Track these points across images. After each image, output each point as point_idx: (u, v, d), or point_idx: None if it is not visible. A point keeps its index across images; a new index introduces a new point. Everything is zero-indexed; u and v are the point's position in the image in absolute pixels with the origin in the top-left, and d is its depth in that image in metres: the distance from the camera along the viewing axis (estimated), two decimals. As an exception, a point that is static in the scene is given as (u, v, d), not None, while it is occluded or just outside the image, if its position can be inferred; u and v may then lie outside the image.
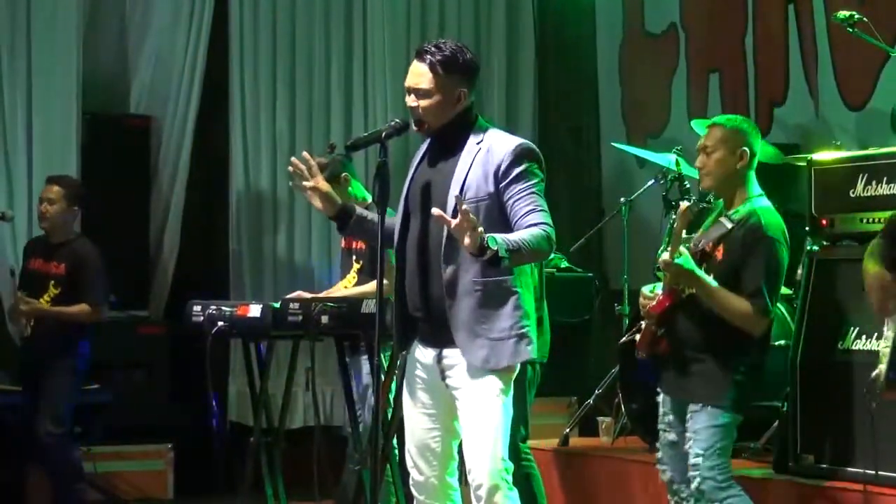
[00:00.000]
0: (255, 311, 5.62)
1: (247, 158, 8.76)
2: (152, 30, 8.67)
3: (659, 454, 5.03)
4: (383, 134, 4.45)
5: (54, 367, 6.82)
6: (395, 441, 5.65)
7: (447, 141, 4.40)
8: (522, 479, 5.47)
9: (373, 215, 4.54)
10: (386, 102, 8.83)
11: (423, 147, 4.54)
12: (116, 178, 8.45)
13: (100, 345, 7.04)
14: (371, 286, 5.78)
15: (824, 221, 5.56)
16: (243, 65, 8.74)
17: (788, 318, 5.90)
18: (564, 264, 7.16)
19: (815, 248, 5.66)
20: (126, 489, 7.95)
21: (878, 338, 4.06)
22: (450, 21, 9.10)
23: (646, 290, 4.99)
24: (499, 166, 4.30)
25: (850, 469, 5.31)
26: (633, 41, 8.83)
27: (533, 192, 4.28)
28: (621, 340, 5.74)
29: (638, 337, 4.97)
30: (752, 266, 4.75)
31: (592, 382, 7.24)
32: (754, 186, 4.91)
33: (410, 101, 4.38)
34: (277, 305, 5.60)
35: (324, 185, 4.52)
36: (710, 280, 4.73)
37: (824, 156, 5.77)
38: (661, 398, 5.03)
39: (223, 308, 5.74)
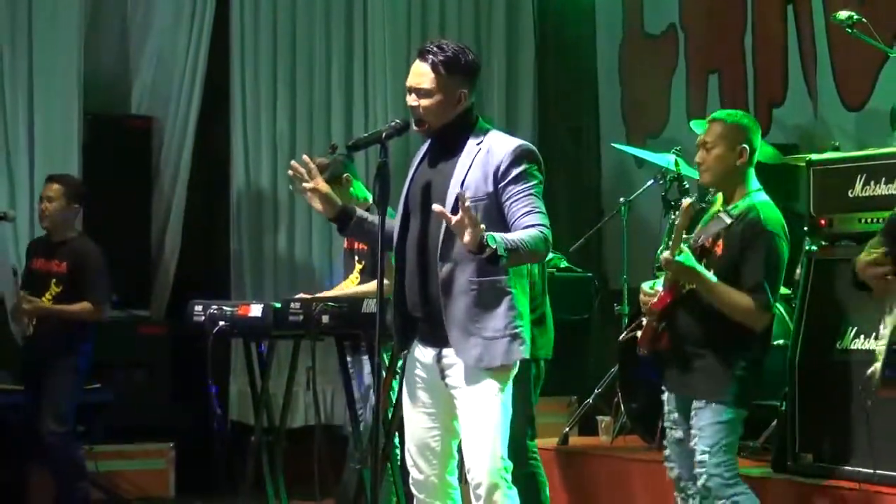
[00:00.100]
0: (256, 310, 5.62)
1: (248, 159, 8.77)
2: (154, 31, 8.67)
3: (666, 451, 5.02)
4: (384, 134, 4.45)
5: (56, 365, 6.83)
6: (396, 440, 5.66)
7: (447, 141, 4.41)
8: (527, 478, 5.49)
9: (373, 217, 4.55)
10: (386, 102, 8.84)
11: (424, 148, 4.55)
12: (118, 179, 8.46)
13: (102, 344, 7.04)
14: (371, 286, 5.78)
15: (823, 221, 5.56)
16: (244, 65, 8.75)
17: (787, 318, 5.90)
18: (564, 264, 7.16)
19: (814, 248, 5.66)
20: (128, 488, 7.95)
21: (876, 337, 4.07)
22: (450, 21, 9.10)
23: (646, 286, 4.98)
24: (498, 167, 4.30)
25: (848, 468, 5.31)
26: (633, 42, 8.84)
27: (531, 194, 4.29)
28: (621, 337, 5.75)
29: (639, 334, 4.96)
30: (752, 261, 4.75)
31: (592, 382, 7.25)
32: (753, 182, 4.90)
33: (412, 100, 4.38)
34: (278, 305, 5.61)
35: (324, 187, 4.52)
36: (710, 276, 4.72)
37: (823, 156, 5.77)
38: (665, 396, 5.03)
39: (224, 308, 5.75)
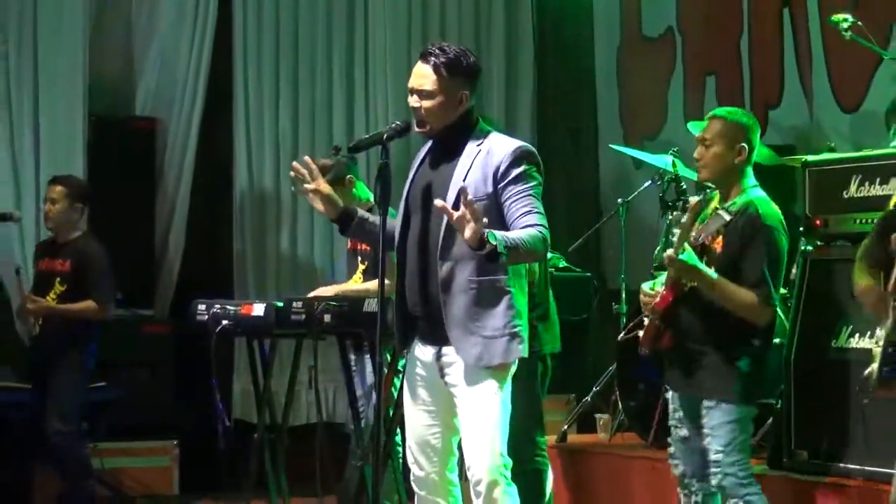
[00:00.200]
0: (258, 310, 5.62)
1: (250, 160, 8.77)
2: (157, 33, 8.67)
3: (671, 449, 5.00)
4: (385, 136, 4.46)
5: (61, 364, 6.82)
6: (398, 438, 5.66)
7: (448, 143, 4.41)
8: (533, 473, 5.50)
9: (374, 217, 4.55)
10: (387, 104, 8.84)
11: (424, 149, 4.55)
12: (122, 180, 8.46)
13: (106, 343, 7.04)
14: (372, 284, 5.79)
15: (818, 222, 5.56)
16: (247, 67, 8.76)
17: (783, 317, 5.90)
18: (563, 264, 7.16)
19: (810, 248, 5.66)
20: (132, 485, 7.95)
21: (871, 336, 4.07)
22: (450, 24, 9.10)
23: (646, 286, 4.97)
24: (498, 167, 4.31)
25: (843, 465, 5.31)
26: (631, 44, 8.84)
27: (530, 195, 4.30)
28: (620, 337, 5.75)
29: (640, 333, 4.94)
30: (753, 256, 4.74)
31: (590, 380, 7.26)
32: (750, 178, 4.90)
33: (413, 101, 4.38)
34: (281, 304, 5.61)
35: (325, 188, 4.52)
36: (712, 274, 4.71)
37: (818, 157, 5.77)
38: (669, 394, 5.02)
39: (227, 307, 5.75)
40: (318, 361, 5.52)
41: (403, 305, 4.45)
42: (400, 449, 5.66)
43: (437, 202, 4.15)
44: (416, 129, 4.43)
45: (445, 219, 4.23)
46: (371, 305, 5.24)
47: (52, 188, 6.99)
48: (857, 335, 5.28)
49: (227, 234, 8.78)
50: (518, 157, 4.32)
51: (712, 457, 4.76)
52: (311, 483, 5.65)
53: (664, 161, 6.89)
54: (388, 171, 4.42)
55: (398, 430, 5.60)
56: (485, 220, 4.06)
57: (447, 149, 4.42)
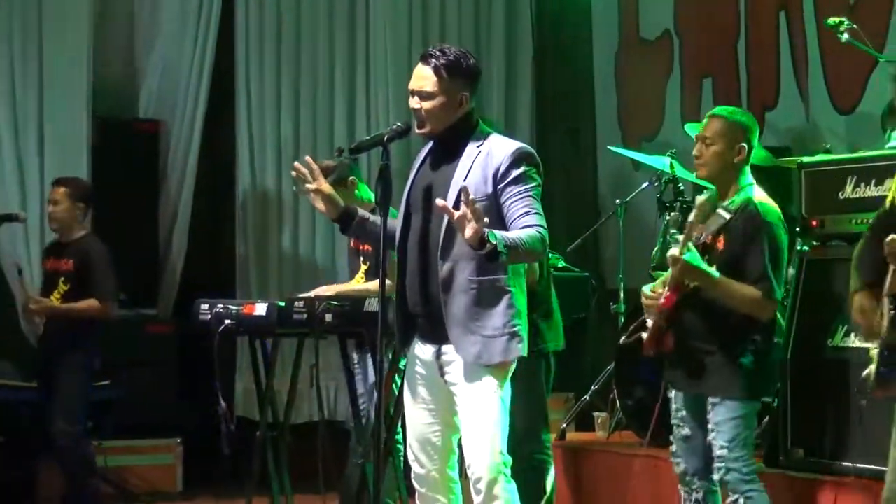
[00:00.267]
0: (260, 309, 5.62)
1: (253, 161, 8.78)
2: (160, 37, 8.68)
3: (673, 447, 4.98)
4: (385, 137, 4.46)
5: (64, 364, 6.79)
6: (399, 436, 5.66)
7: (448, 144, 4.41)
8: (536, 470, 5.50)
9: (375, 217, 4.55)
10: (388, 106, 8.84)
11: (425, 150, 4.55)
12: (126, 181, 8.47)
13: (110, 343, 7.03)
14: (373, 284, 5.79)
15: (814, 222, 5.56)
16: (249, 70, 8.76)
17: (780, 317, 5.89)
18: (561, 264, 7.16)
19: (806, 248, 5.66)
20: (136, 482, 7.95)
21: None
22: (450, 27, 9.10)
23: (646, 289, 4.94)
24: (497, 168, 4.31)
25: (838, 462, 5.31)
26: (629, 47, 8.84)
27: (529, 196, 4.30)
28: (624, 341, 5.73)
29: (644, 336, 4.92)
30: (755, 253, 4.72)
31: (589, 379, 7.25)
32: (747, 176, 4.89)
33: (414, 103, 4.38)
34: (283, 304, 5.60)
35: (326, 188, 4.53)
36: (715, 273, 4.69)
37: (814, 158, 5.76)
38: (672, 394, 5.01)
39: (230, 307, 5.74)
40: (320, 360, 5.51)
41: (404, 305, 4.45)
42: (401, 447, 5.66)
43: (439, 202, 4.15)
44: (417, 131, 4.43)
45: (446, 219, 4.23)
46: (372, 305, 5.24)
47: (55, 189, 7.00)
48: (852, 334, 5.26)
49: (230, 235, 8.79)
50: (518, 159, 4.32)
51: (717, 452, 4.76)
52: (313, 480, 5.65)
53: (662, 162, 6.89)
54: (389, 172, 4.42)
55: (399, 428, 5.60)
56: (486, 219, 4.06)
57: (447, 150, 4.42)
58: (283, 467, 5.88)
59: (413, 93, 4.38)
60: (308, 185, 4.51)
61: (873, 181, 5.33)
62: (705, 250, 4.78)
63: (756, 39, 7.77)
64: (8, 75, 8.22)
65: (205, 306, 5.79)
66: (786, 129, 7.50)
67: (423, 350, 4.44)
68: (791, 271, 5.71)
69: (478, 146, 4.37)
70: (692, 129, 6.34)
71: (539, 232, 4.24)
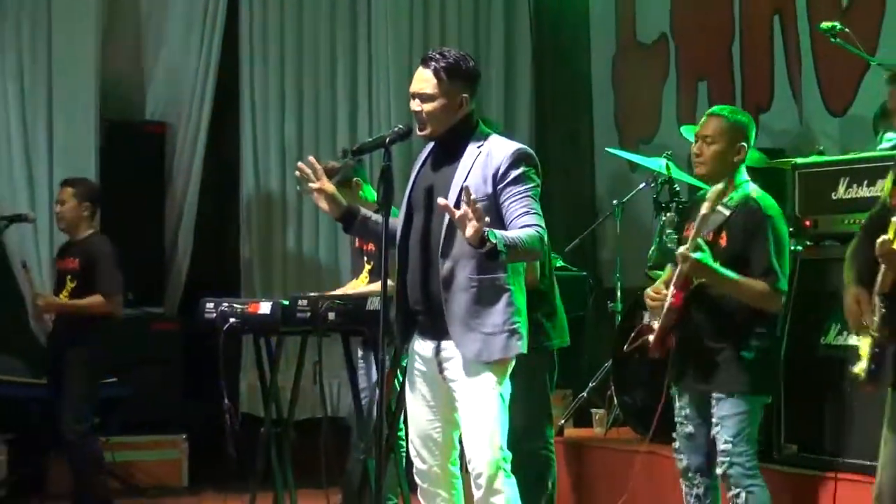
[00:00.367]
0: (265, 308, 5.61)
1: (257, 163, 8.78)
2: (167, 42, 8.69)
3: (676, 444, 4.97)
4: (387, 139, 4.46)
5: (70, 360, 6.75)
6: (401, 433, 5.66)
7: (449, 145, 4.41)
8: (539, 466, 5.49)
9: (377, 216, 4.55)
10: (389, 108, 8.85)
11: (425, 151, 4.55)
12: (133, 182, 8.48)
13: (117, 341, 7.02)
14: (375, 287, 5.79)
15: (808, 223, 5.55)
16: (253, 74, 8.77)
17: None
18: (560, 263, 7.15)
19: (800, 248, 5.66)
20: (142, 477, 7.96)
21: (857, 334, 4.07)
22: (450, 30, 9.10)
23: (649, 291, 4.92)
24: (497, 169, 4.31)
25: (830, 458, 5.31)
26: (626, 50, 8.84)
27: (528, 196, 4.29)
28: (628, 348, 5.72)
29: (651, 338, 4.88)
30: (759, 247, 4.71)
31: (586, 376, 7.25)
32: (743, 174, 4.89)
33: (415, 105, 4.38)
34: (286, 302, 5.60)
35: (329, 188, 4.53)
36: (726, 272, 4.67)
37: (808, 160, 5.76)
38: (674, 392, 4.99)
39: (235, 305, 5.74)
40: (323, 358, 5.51)
41: (404, 302, 4.45)
42: (403, 443, 5.65)
43: (440, 201, 4.15)
44: (418, 133, 4.43)
45: (447, 218, 4.23)
46: (374, 304, 5.23)
47: (62, 190, 7.01)
48: (844, 333, 5.26)
49: (235, 235, 8.79)
50: (517, 160, 4.32)
51: (721, 446, 4.74)
52: (316, 476, 5.65)
53: (658, 164, 6.88)
54: (391, 173, 4.42)
55: (402, 424, 5.60)
56: (486, 219, 4.06)
57: (448, 151, 4.41)
58: (286, 463, 5.88)
59: (414, 95, 4.38)
60: (311, 185, 4.51)
61: (865, 182, 5.33)
62: (707, 247, 4.76)
63: (750, 43, 7.77)
64: (17, 79, 8.22)
65: (210, 305, 5.79)
66: (780, 131, 7.49)
67: (422, 346, 4.44)
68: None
69: (478, 147, 4.37)
70: (688, 131, 6.36)
71: (538, 231, 4.24)
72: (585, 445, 6.79)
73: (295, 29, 8.85)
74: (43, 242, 8.12)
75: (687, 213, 5.12)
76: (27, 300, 7.74)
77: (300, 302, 5.58)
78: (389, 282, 4.41)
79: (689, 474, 4.93)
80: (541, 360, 5.45)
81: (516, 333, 4.33)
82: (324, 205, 4.52)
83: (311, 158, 4.58)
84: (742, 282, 4.69)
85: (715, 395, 4.77)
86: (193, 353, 8.06)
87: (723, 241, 4.76)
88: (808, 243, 5.63)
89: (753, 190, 4.83)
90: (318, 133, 8.88)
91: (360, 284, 6.33)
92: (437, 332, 4.36)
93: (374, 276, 6.23)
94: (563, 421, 7.04)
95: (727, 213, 4.73)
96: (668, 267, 5.12)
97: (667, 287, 4.84)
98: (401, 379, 5.38)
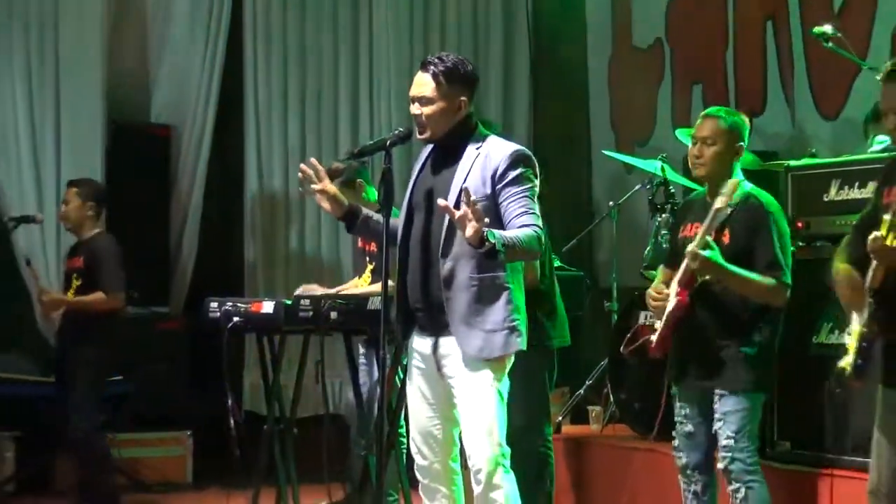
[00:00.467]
0: (268, 307, 5.60)
1: (260, 165, 8.78)
2: (172, 46, 8.69)
3: (675, 442, 4.96)
4: (388, 142, 4.46)
5: (76, 358, 6.72)
6: (402, 430, 5.65)
7: (448, 148, 4.41)
8: (538, 463, 5.48)
9: (378, 216, 4.54)
10: (390, 112, 8.86)
11: (425, 152, 4.54)
12: (139, 184, 8.48)
13: (123, 339, 7.01)
14: (377, 286, 5.78)
15: (801, 224, 5.54)
16: (257, 78, 8.77)
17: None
18: (557, 263, 7.14)
19: (792, 248, 5.64)
20: (148, 473, 7.95)
21: (850, 333, 4.05)
22: (450, 38, 9.11)
23: (651, 291, 4.91)
24: (496, 170, 4.31)
25: (823, 455, 5.30)
26: (622, 55, 8.83)
27: (526, 196, 4.29)
28: (627, 351, 5.69)
29: (653, 338, 4.86)
30: (763, 242, 4.70)
31: (583, 374, 7.24)
32: (739, 172, 4.88)
33: (415, 109, 4.38)
34: (289, 302, 5.59)
35: (331, 188, 4.53)
36: (735, 268, 4.66)
37: (800, 162, 5.76)
38: (674, 392, 4.98)
39: (238, 305, 5.72)
40: (325, 356, 5.51)
41: (404, 300, 4.44)
42: (404, 440, 5.65)
43: (440, 202, 4.16)
44: (418, 136, 4.43)
45: (447, 219, 4.23)
46: (375, 304, 5.24)
47: (67, 192, 7.03)
48: (836, 331, 5.26)
49: (238, 236, 8.79)
50: (515, 161, 4.32)
51: (723, 442, 4.73)
52: (318, 471, 5.64)
53: (654, 166, 6.88)
54: (391, 175, 4.42)
55: (403, 421, 5.59)
56: (486, 219, 4.06)
57: (447, 153, 4.41)
58: (289, 459, 5.87)
59: (413, 99, 4.38)
60: (313, 186, 4.51)
61: (857, 184, 5.32)
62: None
63: (744, 48, 7.77)
64: (25, 81, 8.22)
65: (214, 304, 5.78)
66: (773, 134, 7.49)
67: (421, 343, 4.43)
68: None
69: (477, 148, 4.37)
70: (683, 134, 6.35)
71: (535, 231, 4.24)
72: (583, 442, 6.78)
73: (298, 34, 8.86)
74: (50, 243, 8.12)
75: (683, 215, 5.10)
76: (34, 298, 7.73)
77: (303, 301, 5.58)
78: (390, 281, 4.41)
79: (688, 472, 4.92)
80: (541, 360, 5.44)
81: (516, 330, 4.33)
82: (326, 205, 4.52)
83: (313, 160, 4.58)
84: (750, 278, 4.68)
85: (717, 391, 4.76)
86: (198, 351, 8.06)
87: (725, 239, 4.74)
88: (801, 244, 5.62)
89: (752, 188, 4.83)
90: (321, 135, 8.89)
91: (362, 283, 6.33)
92: (435, 328, 4.37)
93: (376, 276, 6.23)
94: (560, 418, 7.03)
95: (728, 210, 4.71)
96: (661, 268, 5.11)
97: (667, 287, 4.82)
98: (401, 376, 5.38)
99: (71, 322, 6.88)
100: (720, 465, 4.77)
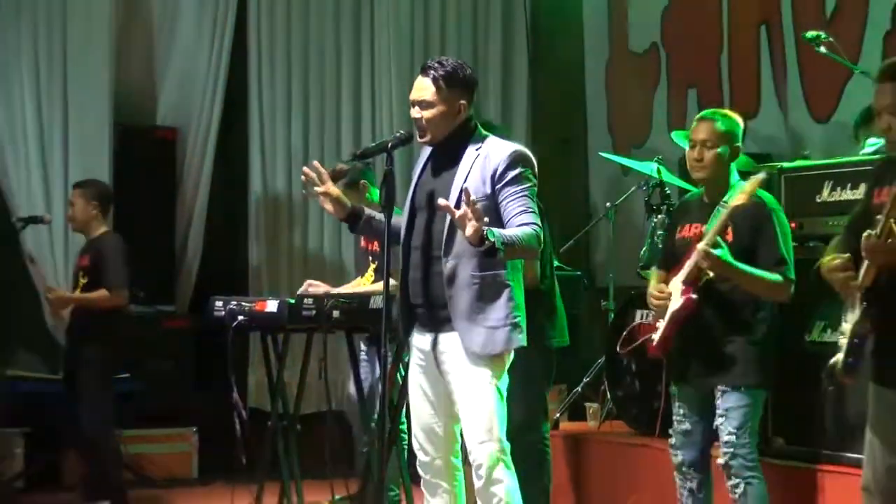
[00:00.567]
0: (272, 306, 5.61)
1: (264, 167, 8.78)
2: (177, 50, 8.68)
3: (672, 440, 4.96)
4: (389, 144, 4.46)
5: (82, 356, 6.70)
6: (403, 426, 5.65)
7: (449, 149, 4.41)
8: (536, 460, 5.48)
9: (381, 216, 4.54)
10: (391, 114, 8.85)
11: (425, 155, 4.54)
12: (145, 185, 8.47)
13: (129, 337, 7.00)
14: (379, 285, 5.78)
15: (794, 225, 5.53)
16: (261, 82, 8.77)
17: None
18: (555, 263, 7.15)
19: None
20: (154, 469, 7.94)
21: (840, 330, 4.05)
22: (450, 42, 9.10)
23: (653, 290, 4.90)
24: (495, 170, 4.31)
25: (816, 450, 5.30)
26: (619, 59, 8.83)
27: (525, 195, 4.30)
28: (623, 350, 5.67)
29: (655, 336, 4.85)
30: (767, 239, 4.70)
31: (580, 371, 7.24)
32: (735, 172, 4.88)
33: (415, 112, 4.38)
34: (293, 301, 5.60)
35: (333, 190, 4.53)
36: (743, 266, 4.65)
37: (793, 164, 5.75)
38: (673, 389, 4.97)
39: (243, 303, 5.73)
40: (328, 354, 5.51)
41: (406, 298, 4.44)
42: (405, 436, 5.64)
43: (441, 201, 4.16)
44: (419, 139, 4.43)
45: (448, 219, 4.23)
46: (377, 302, 5.24)
47: (73, 193, 7.03)
48: (829, 330, 5.26)
49: (243, 236, 8.78)
50: (514, 161, 4.32)
51: (724, 437, 4.73)
52: (321, 467, 5.64)
53: (650, 167, 6.88)
54: (393, 177, 4.41)
55: (404, 417, 5.59)
56: (486, 219, 4.05)
57: (448, 155, 4.41)
58: (292, 455, 5.87)
59: (414, 103, 4.39)
60: (316, 189, 4.51)
61: (849, 185, 5.31)
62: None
63: (738, 52, 7.76)
64: (34, 86, 8.21)
65: (219, 303, 5.79)
66: (766, 136, 7.48)
67: (420, 340, 4.43)
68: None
69: (476, 149, 4.38)
70: (679, 137, 6.34)
71: (534, 230, 4.24)
72: (580, 438, 6.78)
73: (301, 37, 8.85)
74: (58, 243, 8.11)
75: (680, 216, 5.10)
76: (41, 295, 7.73)
77: (306, 300, 5.58)
78: (392, 280, 4.41)
79: (684, 469, 4.92)
80: (540, 358, 5.44)
81: (518, 327, 4.34)
82: (329, 207, 4.53)
83: (316, 163, 4.59)
84: (758, 275, 4.67)
85: (720, 387, 4.75)
86: (203, 349, 8.05)
87: (728, 237, 4.73)
88: (794, 244, 5.61)
89: None
90: (324, 137, 8.88)
91: (364, 283, 6.33)
92: (435, 324, 4.37)
93: (378, 275, 6.22)
94: (558, 415, 7.03)
95: (747, 207, 4.69)
96: (653, 270, 5.10)
97: (679, 284, 4.79)
98: (403, 373, 5.38)
99: (79, 320, 6.87)
100: (720, 461, 4.76)
